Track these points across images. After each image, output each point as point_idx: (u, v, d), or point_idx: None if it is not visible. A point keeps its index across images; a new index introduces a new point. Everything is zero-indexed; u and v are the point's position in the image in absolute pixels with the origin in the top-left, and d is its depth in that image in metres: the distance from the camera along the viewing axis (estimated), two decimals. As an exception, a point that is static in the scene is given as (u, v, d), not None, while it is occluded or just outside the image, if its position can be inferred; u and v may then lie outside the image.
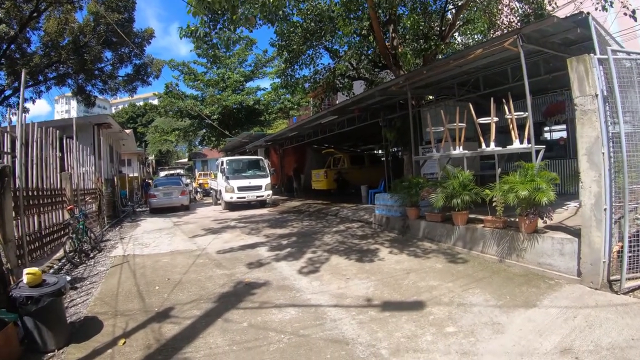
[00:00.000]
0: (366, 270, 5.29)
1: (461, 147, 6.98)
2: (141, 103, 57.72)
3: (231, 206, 15.18)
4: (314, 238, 7.76)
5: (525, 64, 5.29)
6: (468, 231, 5.97)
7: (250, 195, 14.79)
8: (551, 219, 4.90)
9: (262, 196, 15.01)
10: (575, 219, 5.82)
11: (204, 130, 31.34)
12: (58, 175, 7.56)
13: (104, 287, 5.07)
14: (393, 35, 11.75)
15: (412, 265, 5.39)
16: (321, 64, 14.95)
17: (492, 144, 6.35)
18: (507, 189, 5.09)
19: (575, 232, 4.76)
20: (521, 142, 5.84)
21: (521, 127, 6.17)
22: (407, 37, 12.91)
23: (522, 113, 5.89)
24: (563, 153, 9.13)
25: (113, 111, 68.25)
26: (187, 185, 20.94)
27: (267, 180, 15.31)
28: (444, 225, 6.47)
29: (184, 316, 3.90)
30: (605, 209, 4.14)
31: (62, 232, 7.29)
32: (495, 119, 6.24)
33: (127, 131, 28.57)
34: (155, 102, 36.12)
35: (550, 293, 4.09)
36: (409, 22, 10.97)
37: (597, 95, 4.21)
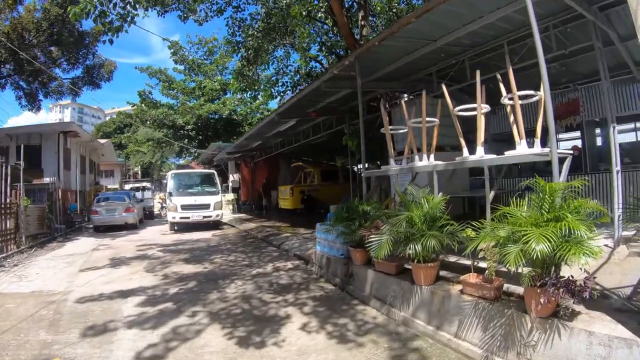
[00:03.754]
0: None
1: (432, 157, 4.60)
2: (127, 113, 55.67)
3: (178, 226, 12.71)
4: (217, 286, 5.28)
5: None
6: (435, 297, 3.50)
7: (196, 215, 12.34)
8: (589, 294, 2.44)
9: (210, 216, 12.56)
10: (612, 271, 3.48)
11: (178, 142, 29.03)
12: None
13: None
14: (362, 23, 9.60)
15: (322, 367, 2.91)
16: (290, 64, 12.81)
17: (480, 149, 3.97)
18: (506, 235, 2.66)
19: (632, 318, 2.38)
20: (530, 144, 3.48)
21: (529, 133, 3.91)
22: (381, 27, 10.78)
23: (532, 92, 3.45)
24: (577, 166, 6.82)
25: (107, 120, 66.52)
26: (141, 200, 18.49)
27: (217, 198, 12.87)
28: (400, 282, 3.97)
29: None
30: None
31: None
32: (485, 107, 3.90)
33: (102, 141, 26.24)
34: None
35: None
36: (379, 6, 8.78)
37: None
